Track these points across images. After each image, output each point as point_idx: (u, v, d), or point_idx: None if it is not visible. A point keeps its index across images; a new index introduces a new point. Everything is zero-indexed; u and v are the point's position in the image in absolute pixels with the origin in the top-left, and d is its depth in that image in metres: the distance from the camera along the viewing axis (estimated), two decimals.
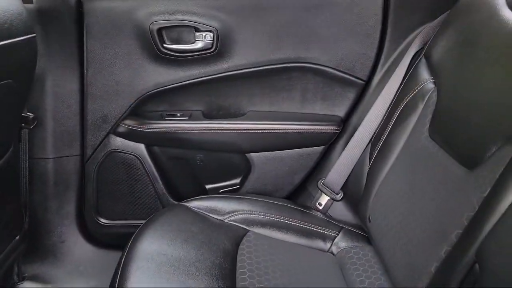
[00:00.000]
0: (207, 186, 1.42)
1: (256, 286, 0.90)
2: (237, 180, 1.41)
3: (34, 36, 0.96)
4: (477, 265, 0.67)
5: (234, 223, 1.11)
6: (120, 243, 1.14)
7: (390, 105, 1.15)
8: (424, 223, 0.85)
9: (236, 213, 1.14)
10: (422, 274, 0.79)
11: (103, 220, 1.40)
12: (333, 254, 1.11)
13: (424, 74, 1.04)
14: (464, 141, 0.82)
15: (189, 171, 1.40)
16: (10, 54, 0.86)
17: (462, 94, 0.87)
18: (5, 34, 0.83)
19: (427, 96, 0.99)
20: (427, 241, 0.82)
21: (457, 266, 0.71)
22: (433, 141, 0.91)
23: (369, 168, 1.13)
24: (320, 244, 1.12)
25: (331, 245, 1.12)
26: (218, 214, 1.13)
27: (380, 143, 1.12)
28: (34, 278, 1.36)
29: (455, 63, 0.94)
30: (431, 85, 1.00)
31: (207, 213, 1.13)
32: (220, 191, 1.41)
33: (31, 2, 1.16)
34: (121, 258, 0.95)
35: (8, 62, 0.87)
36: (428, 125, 0.95)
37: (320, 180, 1.28)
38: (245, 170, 1.38)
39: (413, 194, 0.91)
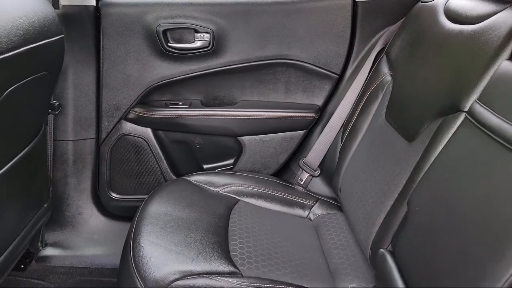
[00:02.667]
0: (205, 166, 1.58)
1: (244, 240, 1.09)
2: (231, 161, 1.57)
3: (63, 37, 1.13)
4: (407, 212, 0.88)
5: (228, 194, 1.29)
6: (129, 214, 1.31)
7: (358, 95, 1.35)
8: (377, 187, 1.05)
9: (229, 185, 1.31)
10: (374, 225, 1.00)
11: (114, 195, 1.55)
12: (311, 220, 1.30)
13: (384, 69, 1.24)
14: (407, 120, 1.02)
15: (189, 152, 1.56)
16: (46, 51, 1.04)
17: (408, 84, 1.08)
18: (44, 35, 1.01)
19: (386, 87, 1.20)
20: (378, 200, 1.02)
21: (396, 214, 0.91)
22: (387, 122, 1.12)
23: (341, 148, 1.33)
24: (299, 211, 1.31)
25: (309, 213, 1.31)
26: (214, 186, 1.30)
27: (349, 127, 1.31)
28: (55, 245, 1.50)
29: (406, 60, 1.14)
30: (389, 78, 1.20)
31: (205, 185, 1.30)
32: (216, 170, 1.56)
33: (58, 8, 1.32)
34: (134, 218, 1.13)
35: (45, 57, 1.05)
36: (385, 110, 1.15)
37: (301, 160, 1.45)
38: (238, 152, 1.55)
39: (371, 165, 1.12)
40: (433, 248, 0.76)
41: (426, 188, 0.83)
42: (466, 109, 0.80)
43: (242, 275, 0.96)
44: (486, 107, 0.75)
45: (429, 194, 0.81)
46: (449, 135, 0.83)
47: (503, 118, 0.69)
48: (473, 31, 0.89)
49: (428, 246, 0.77)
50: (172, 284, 0.91)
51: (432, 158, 0.85)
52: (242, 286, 0.93)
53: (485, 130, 0.72)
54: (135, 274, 0.93)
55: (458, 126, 0.81)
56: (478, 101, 0.78)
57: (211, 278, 0.94)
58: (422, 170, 0.86)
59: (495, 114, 0.71)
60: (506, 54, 0.79)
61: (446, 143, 0.82)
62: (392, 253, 0.89)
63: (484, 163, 0.70)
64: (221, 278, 0.94)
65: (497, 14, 0.86)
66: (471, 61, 0.85)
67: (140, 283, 0.91)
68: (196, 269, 0.95)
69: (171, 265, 0.95)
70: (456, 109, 0.84)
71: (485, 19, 0.88)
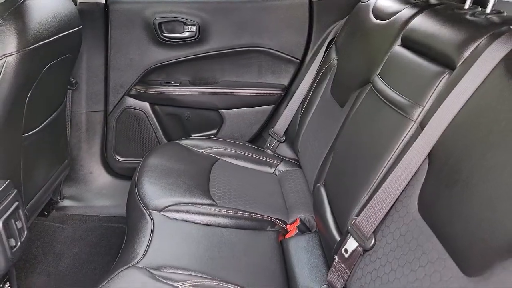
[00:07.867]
0: (192, 135, 1.88)
1: (221, 185, 1.40)
2: (214, 131, 1.88)
3: (81, 27, 1.46)
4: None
5: (210, 154, 1.60)
6: (131, 174, 1.59)
7: (314, 76, 1.67)
8: (320, 143, 1.38)
9: (211, 148, 1.62)
10: (316, 169, 1.33)
11: (119, 158, 1.86)
12: (276, 175, 1.62)
13: (333, 55, 1.57)
14: (341, 91, 1.35)
15: (180, 124, 1.87)
16: (70, 38, 1.36)
17: (344, 66, 1.42)
18: (70, 26, 1.33)
19: (332, 69, 1.53)
20: (319, 152, 1.35)
21: (328, 158, 1.25)
22: (331, 95, 1.45)
23: (300, 118, 1.64)
24: (267, 169, 1.63)
25: (274, 170, 1.63)
26: (199, 148, 1.61)
27: (306, 101, 1.63)
28: (71, 198, 1.82)
29: (345, 47, 1.48)
30: (335, 62, 1.53)
31: (192, 147, 1.61)
32: None
33: (76, 5, 1.61)
34: (137, 168, 1.45)
35: (69, 43, 1.37)
36: (331, 86, 1.49)
37: (270, 129, 1.75)
38: (219, 123, 1.86)
39: (318, 128, 1.45)
40: (342, 173, 1.10)
41: (343, 136, 1.18)
42: (372, 81, 1.15)
43: (218, 205, 1.29)
44: (380, 79, 1.09)
45: (344, 139, 1.16)
46: (361, 99, 1.17)
47: (387, 85, 1.04)
48: (384, 24, 1.23)
49: (339, 172, 1.12)
50: (166, 208, 1.24)
51: (350, 116, 1.19)
52: (218, 212, 1.27)
53: (377, 94, 1.06)
54: (140, 201, 1.26)
55: (366, 93, 1.15)
56: (378, 75, 1.12)
57: (194, 206, 1.26)
58: (344, 125, 1.21)
59: (384, 82, 1.06)
60: (398, 41, 1.13)
61: (359, 105, 1.17)
62: (324, 186, 1.23)
63: (374, 115, 1.05)
64: (202, 206, 1.27)
65: (399, 13, 1.20)
66: (379, 47, 1.19)
67: (143, 207, 1.24)
68: (183, 200, 1.28)
69: (166, 197, 1.28)
70: (367, 82, 1.18)
71: (392, 16, 1.22)
